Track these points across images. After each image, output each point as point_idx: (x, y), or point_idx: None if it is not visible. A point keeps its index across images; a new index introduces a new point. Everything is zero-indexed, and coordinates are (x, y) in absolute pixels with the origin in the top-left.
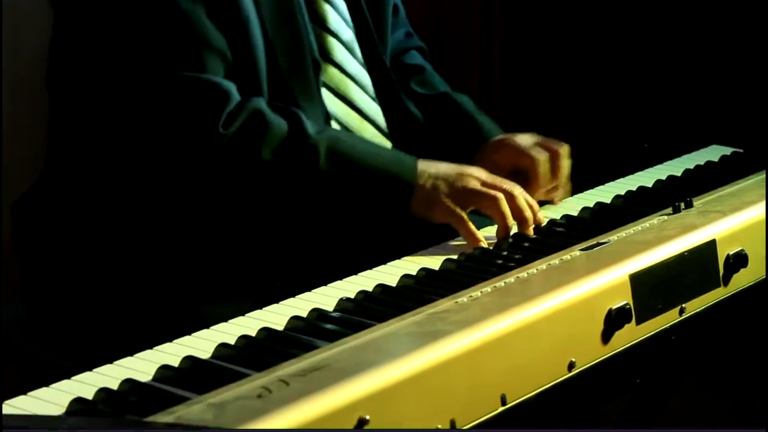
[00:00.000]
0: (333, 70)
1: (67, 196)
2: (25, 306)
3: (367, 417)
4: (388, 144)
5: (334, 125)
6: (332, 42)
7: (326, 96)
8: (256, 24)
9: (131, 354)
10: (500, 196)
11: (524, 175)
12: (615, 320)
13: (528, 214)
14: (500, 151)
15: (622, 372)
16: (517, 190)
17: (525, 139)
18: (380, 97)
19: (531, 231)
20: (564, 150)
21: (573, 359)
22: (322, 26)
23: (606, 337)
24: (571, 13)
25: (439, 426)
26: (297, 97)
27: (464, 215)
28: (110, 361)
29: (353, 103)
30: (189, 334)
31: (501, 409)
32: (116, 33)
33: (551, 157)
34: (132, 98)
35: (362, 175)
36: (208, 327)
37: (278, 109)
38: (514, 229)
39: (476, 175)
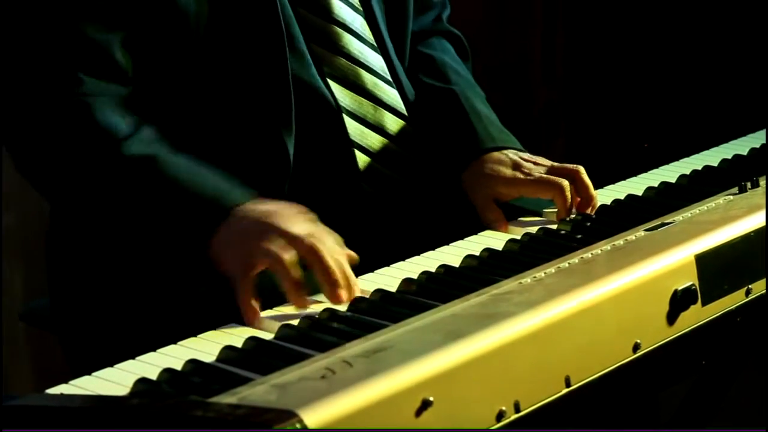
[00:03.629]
0: (341, 61)
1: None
2: (52, 299)
3: (431, 398)
4: (407, 129)
5: (346, 118)
6: (339, 32)
7: (335, 87)
8: (203, 15)
9: (194, 335)
10: (279, 255)
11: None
12: (680, 301)
13: (335, 277)
14: (510, 185)
15: (687, 354)
16: (324, 248)
17: (537, 167)
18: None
19: (343, 296)
20: (581, 169)
21: (638, 341)
22: (327, 18)
23: (671, 318)
24: None
25: (503, 408)
26: (265, 102)
27: (247, 277)
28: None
29: (367, 91)
30: None
31: (565, 390)
32: None
33: (573, 179)
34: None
35: (169, 197)
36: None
37: (128, 118)
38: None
39: (284, 228)
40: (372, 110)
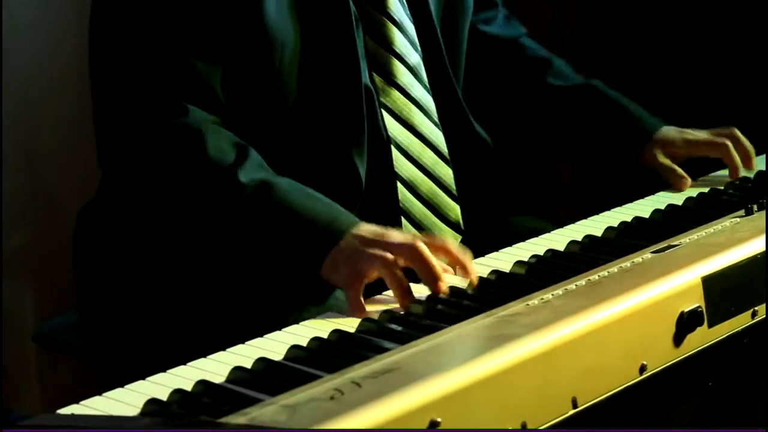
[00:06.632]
0: (396, 94)
1: (127, 204)
2: (81, 314)
3: (439, 419)
4: (448, 170)
5: (394, 149)
6: (397, 65)
7: (387, 119)
8: (290, 44)
9: (204, 356)
10: (387, 257)
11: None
12: (687, 323)
13: (434, 271)
14: (681, 146)
15: (693, 375)
16: (420, 244)
17: (699, 132)
18: (445, 122)
19: (443, 288)
20: (735, 130)
21: (644, 362)
22: (387, 49)
23: (678, 340)
24: None
25: (511, 429)
26: (339, 123)
27: (359, 286)
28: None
29: (415, 128)
30: (262, 335)
31: (572, 412)
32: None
33: (733, 140)
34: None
35: (283, 223)
36: (280, 329)
37: (237, 145)
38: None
39: (388, 240)
40: (418, 146)
